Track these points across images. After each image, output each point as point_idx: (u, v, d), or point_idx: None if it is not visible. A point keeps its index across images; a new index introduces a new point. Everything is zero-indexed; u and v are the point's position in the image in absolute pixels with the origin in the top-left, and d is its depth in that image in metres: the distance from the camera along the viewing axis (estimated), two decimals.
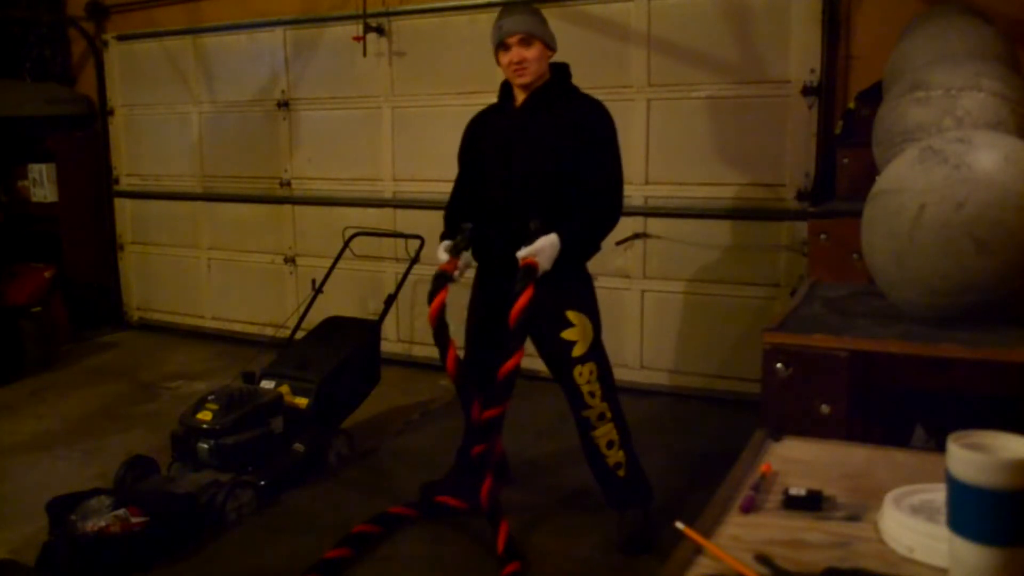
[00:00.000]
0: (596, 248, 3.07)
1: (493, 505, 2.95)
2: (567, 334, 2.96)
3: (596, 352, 3.01)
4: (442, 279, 2.92)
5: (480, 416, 2.90)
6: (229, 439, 3.36)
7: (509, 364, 2.78)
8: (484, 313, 3.14)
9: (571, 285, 2.99)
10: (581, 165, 2.91)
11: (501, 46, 2.97)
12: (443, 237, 3.11)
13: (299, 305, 4.56)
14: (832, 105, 4.24)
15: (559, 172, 2.93)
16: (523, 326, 2.77)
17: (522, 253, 2.80)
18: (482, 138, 3.15)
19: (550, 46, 3.00)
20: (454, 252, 2.95)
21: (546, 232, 2.82)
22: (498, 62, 3.02)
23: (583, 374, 2.97)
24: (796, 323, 2.15)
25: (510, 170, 3.00)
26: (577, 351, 2.97)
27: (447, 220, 3.22)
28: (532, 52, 2.93)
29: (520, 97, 3.04)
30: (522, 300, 2.73)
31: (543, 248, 2.81)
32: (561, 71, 3.07)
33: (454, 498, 3.25)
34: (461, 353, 2.97)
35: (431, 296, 2.88)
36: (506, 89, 3.11)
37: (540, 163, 2.95)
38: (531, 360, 3.20)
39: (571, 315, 2.96)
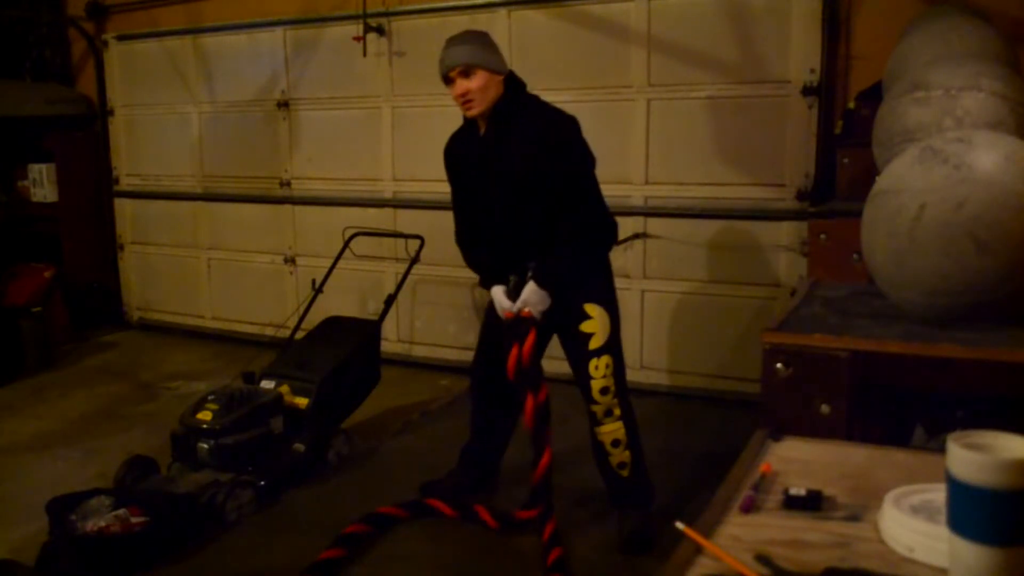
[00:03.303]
0: (597, 252, 3.06)
1: (552, 536, 2.97)
2: (585, 326, 2.97)
3: (613, 346, 3.01)
4: (516, 328, 2.96)
5: (536, 471, 2.96)
6: (229, 439, 3.36)
7: (530, 406, 2.90)
8: (499, 322, 3.14)
9: (589, 278, 3.00)
10: (550, 187, 2.89)
11: (445, 80, 2.94)
12: (486, 281, 3.10)
13: (299, 305, 4.56)
14: (832, 105, 4.24)
15: (537, 201, 2.92)
16: (535, 368, 2.93)
17: (513, 308, 2.93)
18: (460, 172, 3.14)
19: (496, 71, 2.92)
20: (513, 298, 2.98)
21: (527, 279, 2.93)
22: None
23: (599, 367, 2.97)
24: (796, 323, 2.15)
25: (492, 207, 3.01)
26: (594, 343, 2.97)
27: (473, 258, 3.19)
28: (474, 82, 2.87)
29: (482, 124, 3.00)
30: (527, 346, 2.89)
31: (528, 298, 2.91)
32: (513, 85, 2.99)
33: (448, 504, 3.25)
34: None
35: (509, 346, 2.93)
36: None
37: (516, 197, 2.95)
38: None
39: (589, 308, 2.97)
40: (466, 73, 2.88)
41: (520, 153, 2.91)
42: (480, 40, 2.96)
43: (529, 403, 2.90)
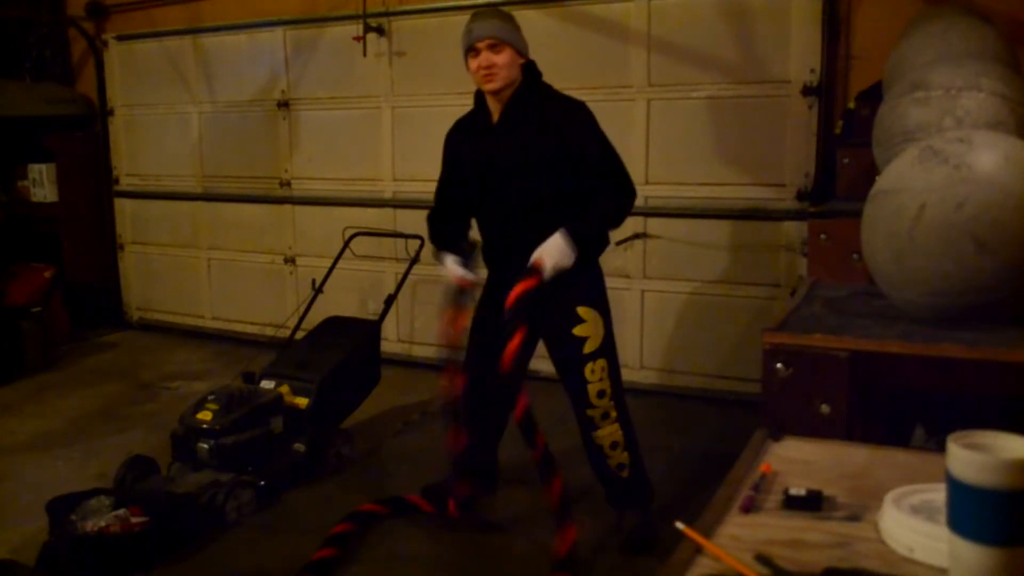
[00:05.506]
0: (608, 235, 3.02)
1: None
2: (578, 330, 2.93)
3: (607, 349, 2.98)
4: (463, 296, 2.93)
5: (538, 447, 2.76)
6: (229, 439, 3.35)
7: (508, 352, 2.66)
8: (490, 317, 3.13)
9: (581, 281, 2.94)
10: (575, 167, 2.85)
11: (471, 51, 2.90)
12: (440, 247, 3.06)
13: (299, 305, 4.56)
14: (832, 105, 4.24)
15: (550, 190, 2.89)
16: (519, 311, 2.68)
17: (533, 257, 2.79)
18: (466, 159, 3.09)
19: (521, 52, 2.92)
20: (468, 267, 2.94)
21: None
22: (468, 68, 2.93)
23: (594, 371, 2.94)
24: (796, 323, 2.16)
25: (501, 196, 2.97)
26: (589, 347, 2.94)
27: (436, 227, 3.17)
28: (501, 58, 2.85)
29: (495, 109, 2.96)
30: (520, 287, 2.68)
31: (548, 248, 2.77)
32: (531, 73, 2.98)
33: (426, 501, 3.30)
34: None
35: (450, 314, 2.88)
36: (480, 98, 3.02)
37: (528, 186, 2.90)
38: (533, 361, 3.20)
39: (582, 311, 2.93)
40: (495, 47, 2.85)
41: (538, 139, 2.88)
42: (510, 19, 2.95)
43: (513, 345, 2.66)
